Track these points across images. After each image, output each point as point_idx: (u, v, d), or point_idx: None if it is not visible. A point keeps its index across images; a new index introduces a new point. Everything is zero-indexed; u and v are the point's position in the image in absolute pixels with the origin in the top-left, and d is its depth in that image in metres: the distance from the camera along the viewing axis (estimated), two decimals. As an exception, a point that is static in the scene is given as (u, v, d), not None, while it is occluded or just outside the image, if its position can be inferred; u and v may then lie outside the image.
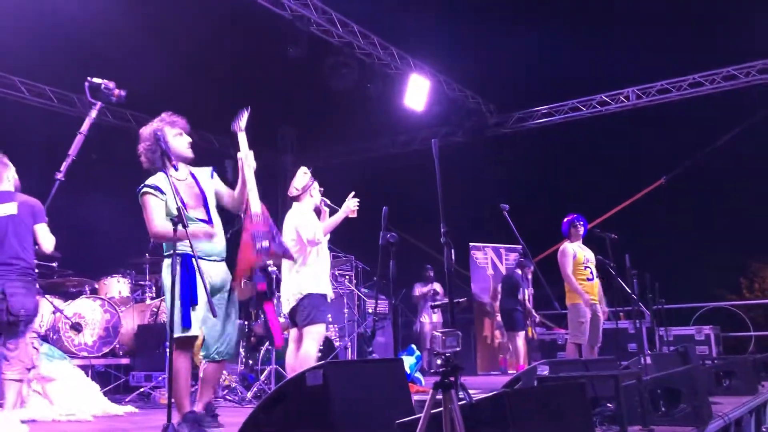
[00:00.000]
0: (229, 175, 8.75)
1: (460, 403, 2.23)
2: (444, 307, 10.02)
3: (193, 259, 3.76)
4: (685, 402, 4.28)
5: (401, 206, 5.29)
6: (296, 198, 5.47)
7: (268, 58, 9.18)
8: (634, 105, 11.10)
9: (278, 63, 8.97)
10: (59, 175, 4.57)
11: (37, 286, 4.89)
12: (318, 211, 5.58)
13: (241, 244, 4.12)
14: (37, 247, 4.64)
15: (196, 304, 3.90)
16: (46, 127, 9.39)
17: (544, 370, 4.15)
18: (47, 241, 4.62)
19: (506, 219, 5.79)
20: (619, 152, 10.98)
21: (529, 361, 9.92)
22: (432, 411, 2.27)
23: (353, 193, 5.47)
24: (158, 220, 3.95)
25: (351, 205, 5.41)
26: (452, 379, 2.19)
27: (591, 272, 6.91)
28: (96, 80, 4.54)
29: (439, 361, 2.19)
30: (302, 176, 5.48)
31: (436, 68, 10.84)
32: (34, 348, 4.82)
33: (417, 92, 10.51)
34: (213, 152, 11.20)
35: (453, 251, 3.44)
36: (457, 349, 2.21)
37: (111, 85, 4.53)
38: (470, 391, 4.03)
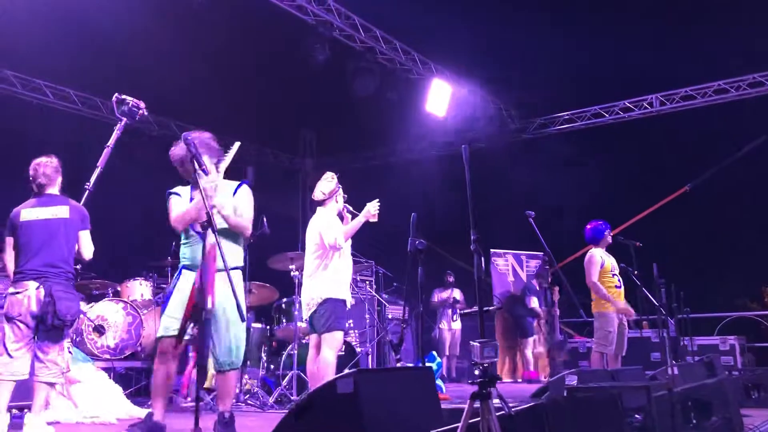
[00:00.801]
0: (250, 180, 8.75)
1: (498, 414, 2.19)
2: (472, 315, 9.96)
3: (185, 270, 4.02)
4: (716, 414, 4.21)
5: (420, 211, 5.26)
6: (321, 202, 5.46)
7: (291, 62, 9.19)
8: (658, 111, 10.97)
9: (301, 67, 8.96)
10: (88, 185, 4.60)
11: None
12: (340, 217, 5.56)
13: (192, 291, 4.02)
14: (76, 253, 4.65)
15: (164, 311, 4.23)
16: (70, 130, 9.46)
17: (573, 380, 4.08)
18: (88, 248, 4.64)
19: (532, 226, 5.73)
20: (643, 159, 10.85)
21: (551, 369, 9.83)
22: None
23: (377, 200, 5.43)
24: (174, 213, 4.20)
25: (372, 209, 5.37)
26: (490, 389, 2.15)
27: (618, 280, 6.83)
28: (124, 97, 4.62)
29: (476, 371, 2.14)
30: (329, 181, 5.47)
31: (458, 73, 10.78)
32: (69, 352, 4.83)
33: (439, 97, 10.47)
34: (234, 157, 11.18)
35: (483, 258, 3.37)
36: (495, 359, 2.16)
37: (141, 104, 4.63)
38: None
